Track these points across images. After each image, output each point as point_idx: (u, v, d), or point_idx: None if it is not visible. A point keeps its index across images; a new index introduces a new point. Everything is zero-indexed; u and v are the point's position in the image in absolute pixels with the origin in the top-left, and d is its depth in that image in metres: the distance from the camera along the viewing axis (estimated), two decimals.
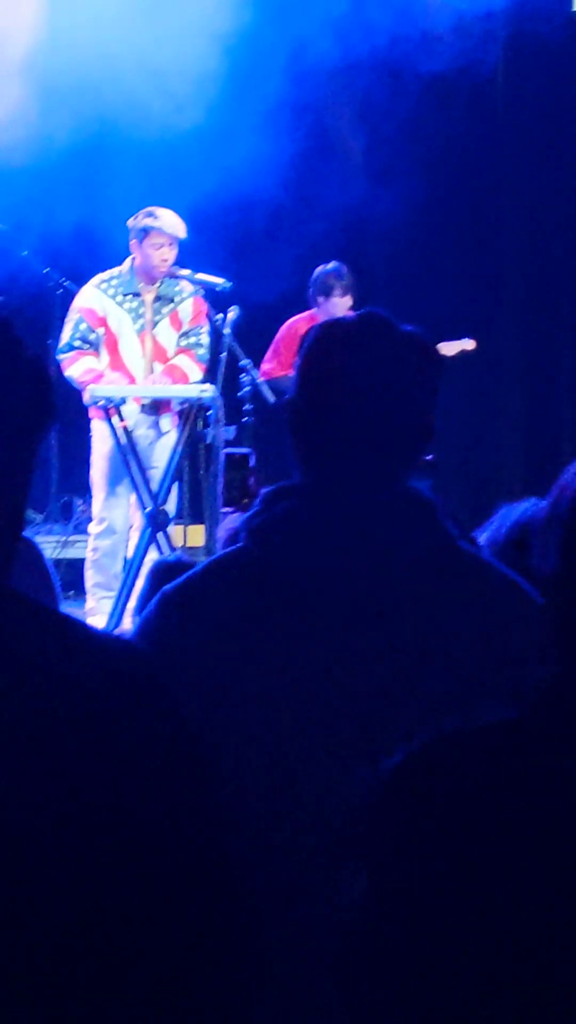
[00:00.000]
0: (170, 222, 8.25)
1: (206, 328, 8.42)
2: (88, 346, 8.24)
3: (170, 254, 8.26)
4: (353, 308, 9.28)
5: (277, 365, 9.23)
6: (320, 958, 2.02)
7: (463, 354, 9.38)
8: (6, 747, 1.66)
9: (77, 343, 8.22)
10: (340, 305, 9.26)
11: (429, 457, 2.93)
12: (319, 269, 9.37)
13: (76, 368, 8.12)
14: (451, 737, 1.76)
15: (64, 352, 8.20)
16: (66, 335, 8.28)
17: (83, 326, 8.26)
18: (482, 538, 3.29)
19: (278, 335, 9.41)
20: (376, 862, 1.74)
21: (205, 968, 1.72)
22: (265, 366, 9.28)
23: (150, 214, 8.27)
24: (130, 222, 8.31)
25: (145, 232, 8.25)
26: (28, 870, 1.64)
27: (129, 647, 1.83)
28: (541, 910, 1.66)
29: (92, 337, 8.25)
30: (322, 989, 1.88)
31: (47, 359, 8.06)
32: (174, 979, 1.69)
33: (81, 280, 8.65)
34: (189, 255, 8.41)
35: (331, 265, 9.35)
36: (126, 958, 1.67)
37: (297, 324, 9.36)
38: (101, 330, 8.26)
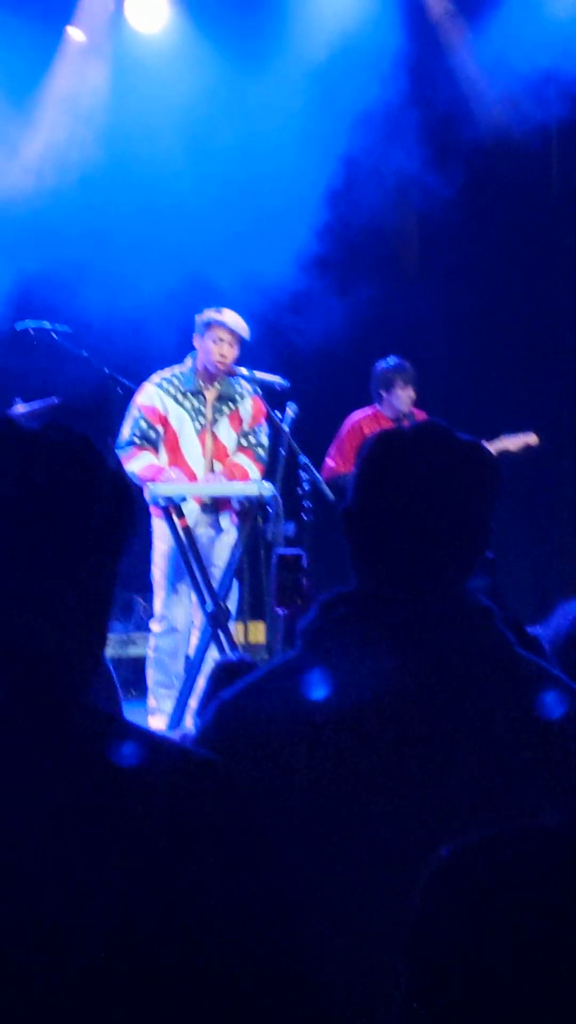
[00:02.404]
0: (233, 320, 8.31)
1: (265, 428, 8.45)
2: (147, 443, 8.27)
3: (229, 352, 8.30)
4: (414, 403, 9.33)
5: (341, 461, 9.25)
6: None
7: (526, 449, 9.37)
8: (86, 853, 1.69)
9: (137, 440, 8.26)
10: (403, 397, 9.30)
11: (489, 555, 2.93)
12: (378, 364, 9.41)
13: (136, 463, 8.14)
14: (496, 840, 1.74)
15: (123, 448, 8.23)
16: (126, 431, 8.31)
17: (143, 423, 8.29)
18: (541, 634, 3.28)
19: (341, 431, 9.44)
20: (416, 963, 1.72)
21: None
22: (329, 462, 9.31)
23: (216, 310, 8.35)
24: (197, 317, 8.39)
25: (207, 325, 8.31)
26: (107, 970, 1.66)
27: (202, 758, 1.85)
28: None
29: (152, 435, 8.28)
30: None
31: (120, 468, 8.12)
32: None
33: (135, 377, 8.73)
34: (246, 354, 8.47)
35: (391, 360, 9.39)
36: None
37: (361, 420, 9.38)
38: (161, 428, 8.29)
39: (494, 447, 8.93)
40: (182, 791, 1.76)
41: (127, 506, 1.90)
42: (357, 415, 9.45)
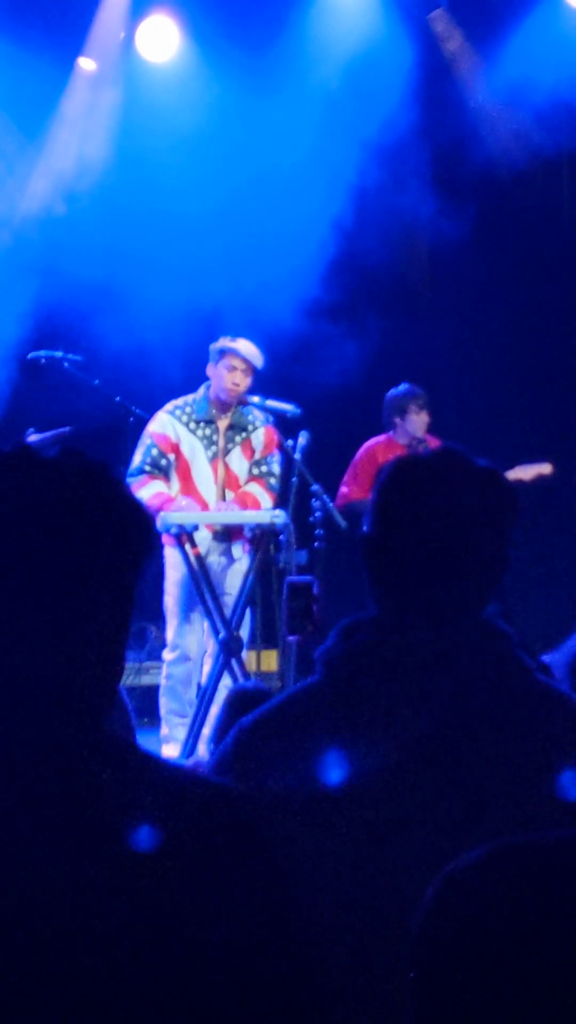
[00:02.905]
0: (247, 348, 8.33)
1: (278, 458, 8.45)
2: (158, 471, 8.28)
3: (243, 380, 8.31)
4: (428, 428, 9.33)
5: (355, 488, 9.26)
6: None
7: (539, 478, 9.36)
8: (105, 883, 1.69)
9: (147, 468, 8.27)
10: (418, 422, 9.31)
11: None
12: (390, 392, 9.43)
13: (145, 492, 8.15)
14: (507, 851, 1.71)
15: (134, 476, 8.25)
16: (137, 459, 8.32)
17: (154, 451, 8.30)
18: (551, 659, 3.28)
19: (355, 459, 9.45)
20: (421, 977, 1.69)
21: None
22: (343, 489, 9.32)
23: (230, 338, 8.36)
24: (211, 346, 8.41)
25: (221, 354, 8.33)
26: (126, 1001, 1.66)
27: (219, 787, 1.85)
28: None
29: (163, 463, 8.29)
30: None
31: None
32: None
33: (145, 405, 8.75)
34: (259, 382, 8.48)
35: (402, 387, 9.41)
36: None
37: (375, 448, 9.40)
38: (172, 456, 8.30)
39: (508, 477, 8.89)
40: (203, 821, 1.76)
41: (145, 533, 1.90)
42: (371, 442, 9.47)
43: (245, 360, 8.29)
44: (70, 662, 1.81)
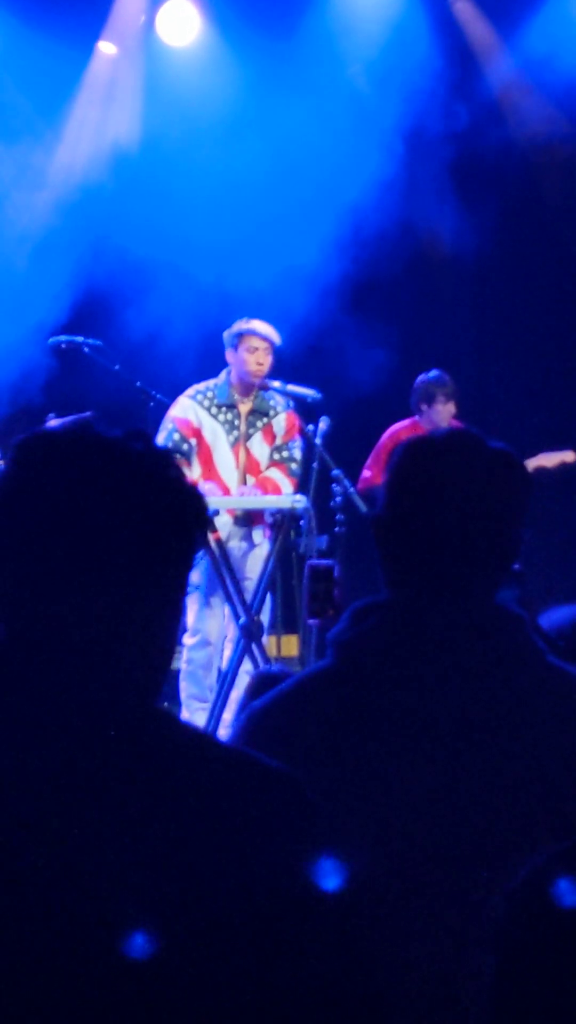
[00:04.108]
0: (263, 327, 8.33)
1: (299, 443, 8.44)
2: (179, 455, 8.27)
3: (265, 359, 8.31)
4: (454, 418, 9.30)
5: (377, 472, 9.22)
6: None
7: (563, 466, 9.32)
8: (164, 854, 1.71)
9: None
10: (444, 412, 9.25)
11: (516, 567, 2.92)
12: (420, 377, 9.37)
13: None
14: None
15: None
16: (159, 442, 8.31)
17: (176, 436, 8.30)
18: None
19: (379, 442, 9.41)
20: (505, 990, 1.69)
21: None
22: (365, 472, 9.28)
23: (245, 320, 8.36)
24: (225, 333, 8.40)
25: (239, 337, 8.32)
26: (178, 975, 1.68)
27: (272, 766, 1.86)
28: None
29: (184, 447, 8.29)
30: None
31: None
32: None
33: (165, 390, 8.75)
34: (280, 368, 8.47)
35: (432, 373, 9.35)
36: None
37: (399, 432, 9.34)
38: (194, 441, 8.31)
39: (530, 464, 8.87)
40: (261, 798, 1.79)
41: (203, 522, 1.90)
42: (396, 427, 9.42)
43: (264, 339, 8.30)
44: (131, 640, 1.81)
